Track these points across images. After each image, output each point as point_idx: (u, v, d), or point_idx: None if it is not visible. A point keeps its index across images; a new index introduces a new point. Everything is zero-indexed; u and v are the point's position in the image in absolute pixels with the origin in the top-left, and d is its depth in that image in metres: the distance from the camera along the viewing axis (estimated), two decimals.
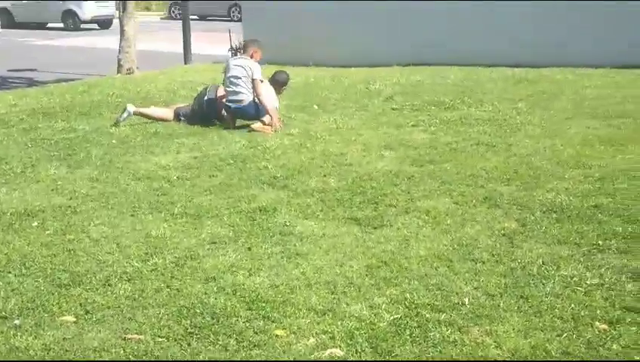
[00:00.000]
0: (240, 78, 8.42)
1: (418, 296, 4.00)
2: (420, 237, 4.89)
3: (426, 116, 8.79)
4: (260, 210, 5.50)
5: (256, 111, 8.42)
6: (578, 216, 5.18)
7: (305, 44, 14.80)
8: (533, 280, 4.17)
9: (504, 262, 4.45)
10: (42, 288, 4.23)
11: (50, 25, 29.55)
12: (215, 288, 4.17)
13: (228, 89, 8.55)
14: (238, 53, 9.22)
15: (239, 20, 21.83)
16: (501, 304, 3.89)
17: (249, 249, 4.77)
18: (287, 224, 5.21)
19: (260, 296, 4.04)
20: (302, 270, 4.40)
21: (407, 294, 4.01)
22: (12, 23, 28.89)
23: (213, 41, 17.30)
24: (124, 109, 8.68)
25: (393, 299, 3.97)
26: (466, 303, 3.91)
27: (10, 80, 14.98)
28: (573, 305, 3.84)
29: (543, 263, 4.40)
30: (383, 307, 3.88)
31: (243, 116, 8.54)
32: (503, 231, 4.96)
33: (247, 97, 8.41)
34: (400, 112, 9.17)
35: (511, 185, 5.99)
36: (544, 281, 4.15)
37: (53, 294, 4.14)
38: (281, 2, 15.29)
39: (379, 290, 4.10)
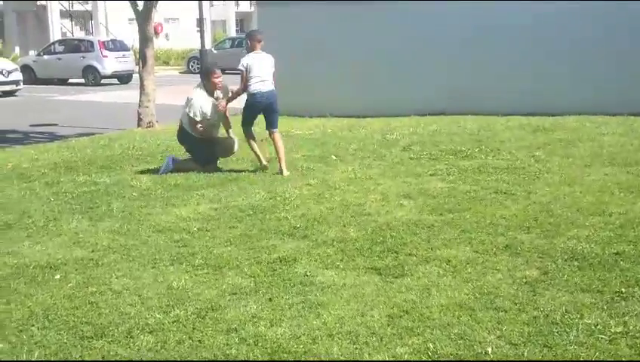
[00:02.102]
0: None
1: (441, 345, 3.98)
2: (441, 286, 4.88)
3: (444, 165, 8.82)
4: (281, 261, 5.52)
5: None
6: (600, 263, 5.16)
7: (322, 95, 14.95)
8: (556, 328, 4.15)
9: (527, 310, 4.43)
10: (65, 341, 4.25)
11: (71, 80, 30.03)
12: (237, 339, 4.17)
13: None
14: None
15: None
16: (525, 353, 3.86)
17: (270, 299, 4.77)
18: (308, 274, 5.22)
19: (281, 347, 4.04)
20: (323, 320, 4.40)
21: (430, 344, 4.00)
22: (34, 79, 29.38)
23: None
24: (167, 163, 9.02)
25: (415, 349, 3.95)
26: (489, 352, 3.88)
27: (33, 135, 15.19)
28: (597, 354, 3.81)
29: (566, 311, 4.37)
30: (406, 357, 3.86)
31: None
32: (524, 280, 4.94)
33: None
34: (418, 161, 9.21)
35: (531, 233, 5.98)
36: (568, 330, 4.12)
37: (76, 347, 4.16)
38: (297, 54, 15.48)
39: (401, 340, 4.08)
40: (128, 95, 21.72)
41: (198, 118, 8.85)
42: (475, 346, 3.96)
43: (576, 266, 5.14)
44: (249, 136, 9.08)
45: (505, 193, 7.30)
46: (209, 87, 8.99)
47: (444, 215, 6.64)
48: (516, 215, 6.49)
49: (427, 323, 4.30)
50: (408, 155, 9.65)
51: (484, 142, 10.33)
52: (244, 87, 8.86)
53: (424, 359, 3.85)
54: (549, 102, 13.04)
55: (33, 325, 4.49)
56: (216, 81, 8.99)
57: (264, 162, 9.03)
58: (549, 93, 13.26)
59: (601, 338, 3.99)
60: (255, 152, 9.10)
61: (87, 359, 4.02)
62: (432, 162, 9.11)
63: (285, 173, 8.64)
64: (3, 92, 25.00)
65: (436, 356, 3.86)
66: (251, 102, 8.92)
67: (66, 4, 40.90)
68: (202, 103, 8.89)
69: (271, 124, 8.99)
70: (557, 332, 4.10)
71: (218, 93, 9.01)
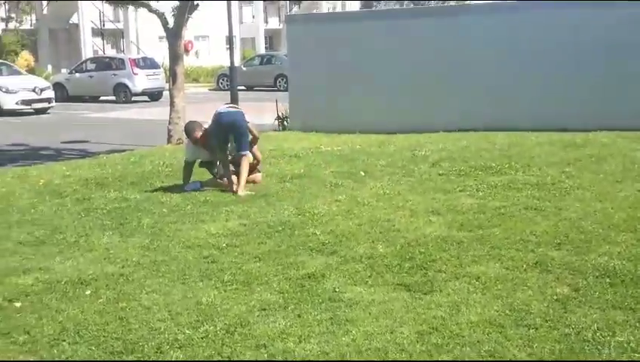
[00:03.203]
0: None
1: None
2: (471, 303, 4.85)
3: (473, 181, 8.77)
4: (309, 277, 5.53)
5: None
6: (632, 280, 5.09)
7: (350, 112, 14.98)
8: (588, 346, 4.10)
9: (558, 327, 4.38)
10: (96, 356, 4.29)
11: (102, 98, 30.40)
12: (266, 355, 4.18)
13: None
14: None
15: (285, 90, 22.23)
16: None
17: (299, 315, 4.78)
18: (337, 290, 5.22)
19: None
20: (352, 337, 4.39)
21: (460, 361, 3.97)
22: (66, 97, 29.79)
23: (259, 110, 17.60)
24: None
25: None
26: None
27: (64, 151, 15.40)
28: None
29: (597, 329, 4.32)
30: None
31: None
32: (555, 296, 4.90)
33: None
34: (447, 178, 9.17)
35: (562, 249, 5.93)
36: (600, 347, 4.07)
37: None
38: (326, 70, 15.54)
39: (430, 357, 4.06)
40: (158, 112, 21.95)
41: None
42: None
43: (607, 283, 5.08)
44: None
45: (535, 209, 7.25)
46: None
47: (473, 231, 6.60)
48: (547, 231, 6.43)
49: (457, 340, 4.27)
50: (437, 171, 9.62)
51: (514, 157, 10.26)
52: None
53: None
54: (581, 117, 12.96)
55: (64, 340, 4.54)
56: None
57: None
58: (581, 108, 13.19)
59: (634, 356, 3.94)
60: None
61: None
62: (461, 178, 9.07)
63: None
64: (36, 109, 25.39)
65: None
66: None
67: (97, 22, 41.47)
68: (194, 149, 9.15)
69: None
70: (589, 350, 4.05)
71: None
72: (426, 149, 11.46)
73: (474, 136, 12.85)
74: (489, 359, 3.99)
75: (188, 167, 9.17)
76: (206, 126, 9.18)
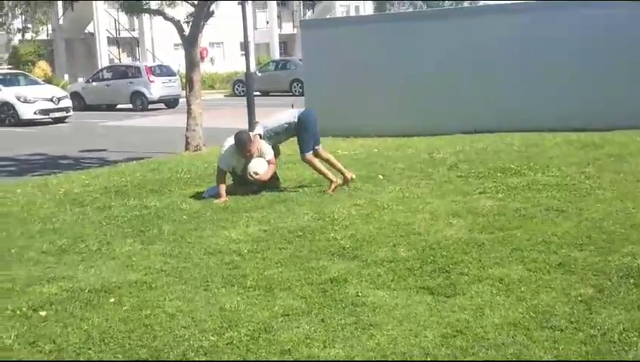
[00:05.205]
0: None
1: None
2: (495, 305, 4.84)
3: (492, 183, 8.75)
4: (331, 281, 5.53)
5: None
6: None
7: (366, 115, 14.99)
8: (614, 347, 4.08)
9: (583, 329, 4.36)
10: None
11: (119, 106, 30.57)
12: (291, 360, 4.18)
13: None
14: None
15: (301, 95, 22.27)
16: None
17: (322, 320, 4.78)
18: (359, 294, 5.22)
19: None
20: (376, 341, 4.39)
21: None
22: (83, 106, 29.97)
23: (274, 114, 17.62)
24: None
25: None
26: None
27: (83, 160, 15.50)
28: None
29: (623, 329, 4.30)
30: None
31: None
32: (579, 298, 4.87)
33: None
34: (465, 180, 9.15)
35: (585, 250, 5.90)
36: (626, 348, 4.05)
37: None
38: (341, 74, 15.55)
39: (455, 360, 4.05)
40: (175, 119, 22.03)
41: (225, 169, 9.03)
42: None
43: (632, 283, 5.06)
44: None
45: (556, 210, 7.22)
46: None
47: (494, 233, 6.58)
48: (568, 232, 6.41)
49: (482, 343, 4.26)
50: (456, 174, 9.60)
51: (533, 158, 10.23)
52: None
53: None
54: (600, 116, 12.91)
55: (90, 348, 4.56)
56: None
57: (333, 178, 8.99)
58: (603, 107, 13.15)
59: None
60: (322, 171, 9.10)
61: None
62: (480, 180, 9.04)
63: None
64: (53, 119, 25.57)
65: None
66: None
67: (113, 31, 41.71)
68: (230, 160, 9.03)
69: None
70: (615, 351, 4.03)
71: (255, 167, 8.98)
72: (444, 152, 11.45)
73: (490, 137, 12.83)
74: (515, 361, 3.98)
75: (221, 173, 9.01)
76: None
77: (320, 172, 9.04)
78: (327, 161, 9.23)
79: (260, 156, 8.96)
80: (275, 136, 9.21)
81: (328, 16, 42.27)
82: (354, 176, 9.17)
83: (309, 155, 9.04)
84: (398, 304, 4.99)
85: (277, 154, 9.34)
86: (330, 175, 8.96)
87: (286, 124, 9.16)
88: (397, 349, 4.25)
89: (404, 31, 15.02)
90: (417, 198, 8.25)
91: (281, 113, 9.50)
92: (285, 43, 52.94)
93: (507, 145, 11.73)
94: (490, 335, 4.37)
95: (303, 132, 9.06)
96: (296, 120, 9.08)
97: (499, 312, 4.71)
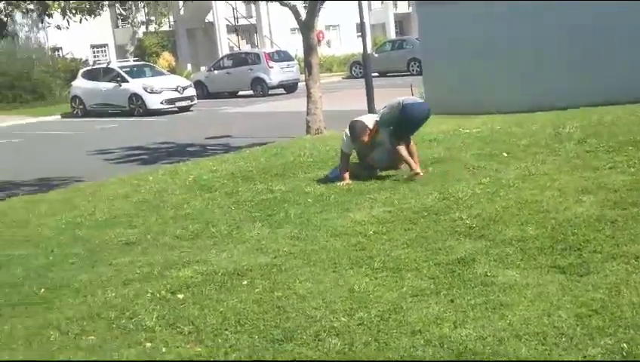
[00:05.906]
0: None
1: (636, 345, 3.83)
2: (631, 284, 4.69)
3: (624, 157, 8.41)
4: (459, 261, 5.51)
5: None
6: None
7: (487, 92, 14.72)
8: None
9: None
10: (257, 344, 4.45)
11: (240, 93, 31.28)
12: (422, 341, 4.21)
13: None
14: None
15: (419, 74, 22.09)
16: None
17: (452, 301, 4.77)
18: (488, 274, 5.17)
19: (468, 348, 4.04)
20: (508, 321, 4.35)
21: (624, 344, 3.86)
22: (206, 94, 30.84)
23: (394, 96, 17.57)
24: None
25: (609, 350, 3.83)
26: None
27: (209, 147, 15.99)
28: None
29: None
30: (599, 357, 3.76)
31: None
32: None
33: None
34: (594, 154, 8.84)
35: None
36: None
37: (268, 350, 4.35)
38: (458, 52, 15.33)
39: (592, 340, 3.97)
40: (295, 103, 22.36)
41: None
42: None
43: None
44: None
45: None
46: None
47: (627, 209, 6.35)
48: None
49: (619, 322, 4.15)
50: (584, 148, 9.29)
51: None
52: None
53: (618, 359, 3.72)
54: None
55: (227, 329, 4.74)
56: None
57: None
58: None
59: None
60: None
61: (279, 360, 4.20)
62: (610, 154, 8.72)
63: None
64: (179, 108, 26.47)
65: (632, 356, 3.72)
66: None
67: (231, 19, 42.63)
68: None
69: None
70: None
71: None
72: (570, 126, 11.09)
73: (620, 110, 12.31)
74: None
75: (344, 157, 9.08)
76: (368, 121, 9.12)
77: (406, 161, 8.90)
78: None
79: (378, 144, 8.98)
80: (388, 122, 9.10)
81: None
82: (422, 174, 8.79)
83: (399, 146, 8.87)
84: (529, 283, 4.92)
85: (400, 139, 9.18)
86: (413, 164, 8.81)
87: (390, 110, 9.08)
88: (530, 329, 4.19)
89: (521, 7, 14.63)
90: (544, 175, 8.06)
91: (393, 99, 9.39)
92: (401, 22, 52.49)
93: (638, 118, 11.24)
94: (628, 314, 4.24)
95: (401, 123, 8.92)
96: (400, 108, 8.98)
97: (636, 291, 4.57)
